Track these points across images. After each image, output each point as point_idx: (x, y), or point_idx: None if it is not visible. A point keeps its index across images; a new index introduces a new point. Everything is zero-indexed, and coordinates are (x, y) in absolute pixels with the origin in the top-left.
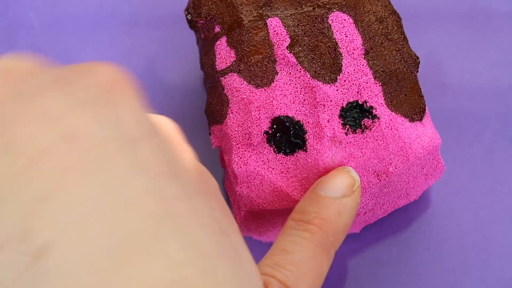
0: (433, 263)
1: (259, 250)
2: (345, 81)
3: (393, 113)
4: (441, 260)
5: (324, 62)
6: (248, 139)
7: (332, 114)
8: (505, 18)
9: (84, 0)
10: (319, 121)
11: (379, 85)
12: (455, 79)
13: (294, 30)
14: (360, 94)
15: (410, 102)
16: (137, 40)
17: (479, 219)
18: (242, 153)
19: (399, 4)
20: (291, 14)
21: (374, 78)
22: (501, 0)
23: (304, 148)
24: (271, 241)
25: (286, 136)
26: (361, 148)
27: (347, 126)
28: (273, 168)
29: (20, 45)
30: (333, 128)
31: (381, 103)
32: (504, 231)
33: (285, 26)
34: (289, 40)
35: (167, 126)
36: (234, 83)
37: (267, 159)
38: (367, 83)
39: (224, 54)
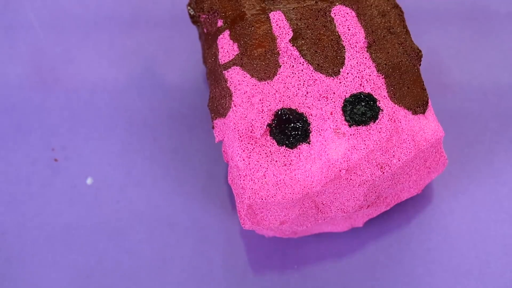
0: (433, 263)
1: (261, 245)
2: (348, 74)
3: (396, 105)
4: (441, 260)
5: (327, 55)
6: (251, 132)
7: (335, 106)
8: (505, 19)
9: (84, 0)
10: (322, 114)
11: (382, 78)
12: (455, 79)
13: (297, 24)
14: (363, 86)
15: (413, 95)
16: (137, 40)
17: (479, 219)
18: (245, 146)
19: (399, 5)
20: (293, 8)
21: (377, 71)
22: (501, 1)
23: (308, 140)
24: (274, 235)
25: (289, 128)
26: (364, 141)
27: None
28: (276, 161)
29: (20, 45)
30: (336, 121)
31: (384, 96)
32: (504, 232)
33: (287, 20)
34: (292, 34)
35: None
36: (237, 76)
37: (270, 151)
38: (370, 75)
39: (227, 48)
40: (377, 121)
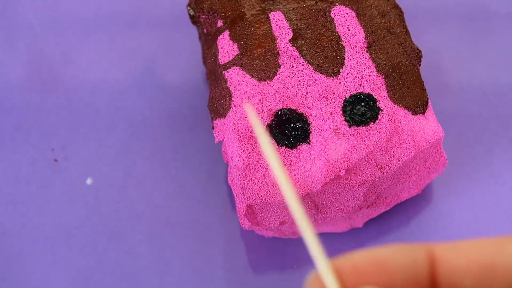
0: None
1: (261, 246)
2: (348, 74)
3: (396, 106)
4: None
5: (327, 55)
6: (251, 132)
7: (335, 106)
8: (505, 19)
9: (84, 0)
10: (322, 114)
11: (382, 78)
12: (455, 80)
13: (297, 24)
14: (363, 87)
15: (412, 95)
16: (137, 40)
17: (478, 220)
18: (245, 146)
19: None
20: (293, 8)
21: (377, 71)
22: (501, 1)
23: (307, 140)
24: (274, 236)
25: (289, 129)
26: (364, 141)
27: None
28: None
29: (20, 45)
30: (336, 121)
31: (384, 96)
32: (503, 232)
33: (287, 20)
34: (292, 34)
35: None
36: (237, 76)
37: None
38: (370, 76)
39: (227, 48)
40: (377, 121)
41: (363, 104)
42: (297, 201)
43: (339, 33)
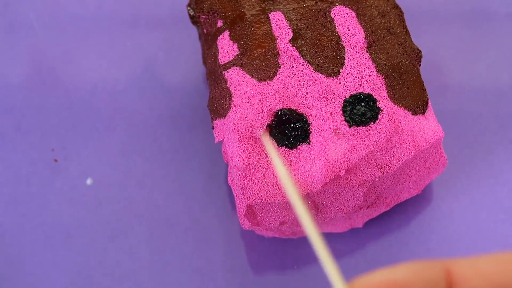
0: None
1: (261, 246)
2: (347, 74)
3: (396, 106)
4: None
5: (327, 56)
6: (251, 132)
7: (335, 107)
8: (505, 19)
9: (84, 0)
10: (322, 114)
11: (382, 78)
12: (455, 80)
13: (297, 24)
14: (363, 87)
15: (412, 95)
16: (137, 40)
17: (479, 220)
18: (245, 146)
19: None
20: (293, 8)
21: (377, 71)
22: (501, 1)
23: (307, 141)
24: (274, 236)
25: (289, 129)
26: (364, 141)
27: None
28: None
29: (20, 45)
30: (336, 121)
31: (384, 96)
32: (504, 233)
33: (287, 20)
34: (292, 34)
35: None
36: (237, 76)
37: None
38: (370, 76)
39: (227, 48)
40: (377, 121)
41: (363, 104)
42: (309, 218)
43: (339, 33)
